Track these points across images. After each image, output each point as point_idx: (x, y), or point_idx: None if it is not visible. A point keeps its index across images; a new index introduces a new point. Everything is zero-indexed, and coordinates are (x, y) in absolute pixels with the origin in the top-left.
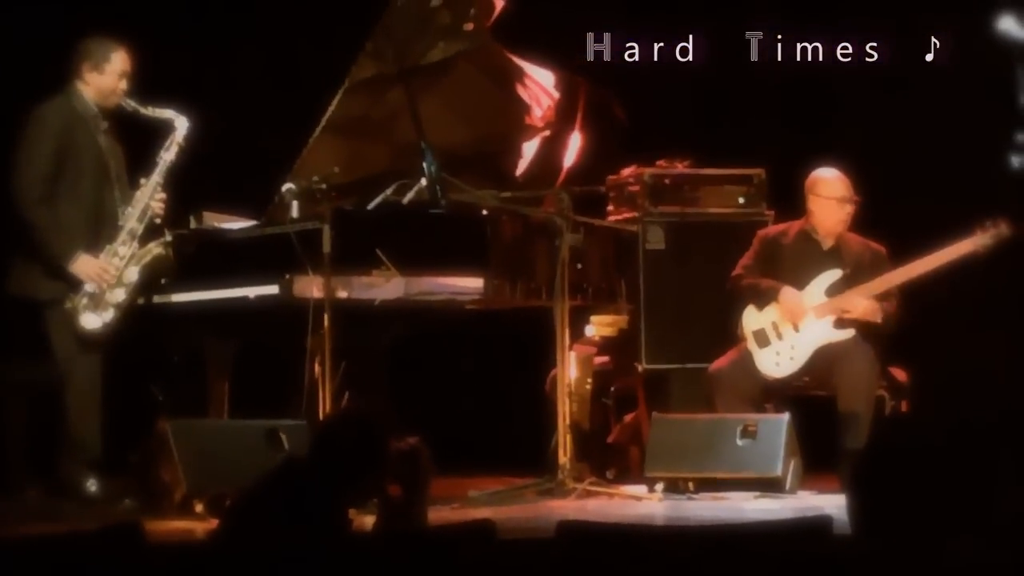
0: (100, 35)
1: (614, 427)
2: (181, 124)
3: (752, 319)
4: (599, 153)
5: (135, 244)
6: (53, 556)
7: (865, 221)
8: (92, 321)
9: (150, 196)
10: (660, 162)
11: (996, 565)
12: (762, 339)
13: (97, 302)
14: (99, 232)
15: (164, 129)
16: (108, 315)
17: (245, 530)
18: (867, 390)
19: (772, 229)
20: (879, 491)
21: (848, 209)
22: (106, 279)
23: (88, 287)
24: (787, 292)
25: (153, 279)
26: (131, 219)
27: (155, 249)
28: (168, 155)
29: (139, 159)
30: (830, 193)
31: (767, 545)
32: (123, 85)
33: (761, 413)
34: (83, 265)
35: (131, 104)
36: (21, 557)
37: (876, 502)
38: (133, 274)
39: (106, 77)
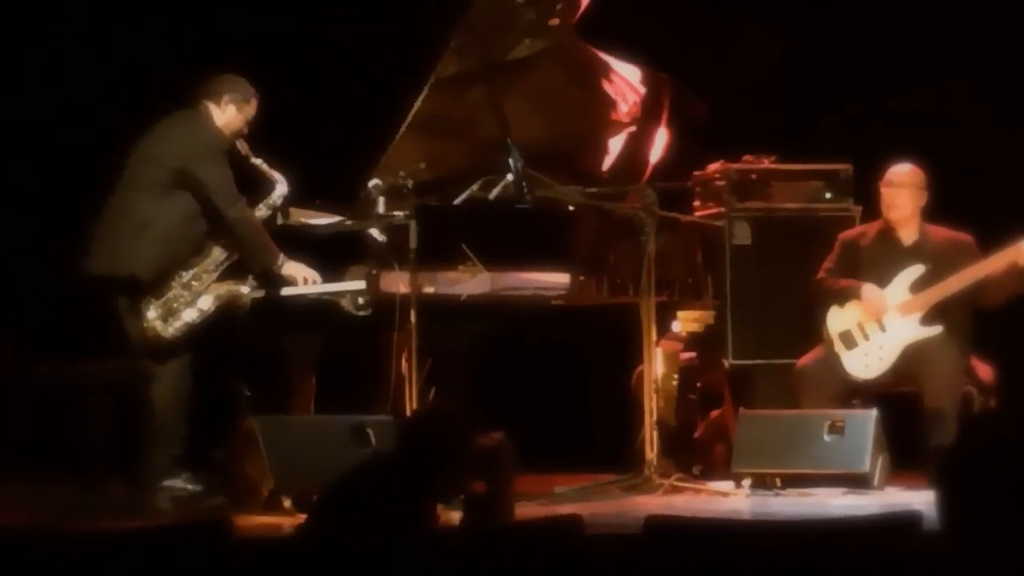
0: (242, 75)
1: (700, 423)
2: (281, 187)
3: (836, 321)
4: (685, 149)
5: (214, 275)
6: (140, 551)
7: (951, 214)
8: (159, 326)
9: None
10: (746, 157)
11: None
12: (849, 341)
13: (168, 312)
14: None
15: (263, 185)
16: (175, 327)
17: (331, 525)
18: (954, 386)
19: (852, 231)
20: (968, 488)
21: (900, 195)
22: (315, 280)
23: (165, 298)
24: (868, 289)
25: (225, 316)
26: (221, 253)
27: (237, 287)
28: (263, 211)
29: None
30: (887, 179)
31: (856, 541)
32: (245, 130)
33: (848, 409)
34: (293, 267)
35: (244, 148)
36: (108, 551)
37: (965, 499)
38: (209, 302)
39: (239, 117)
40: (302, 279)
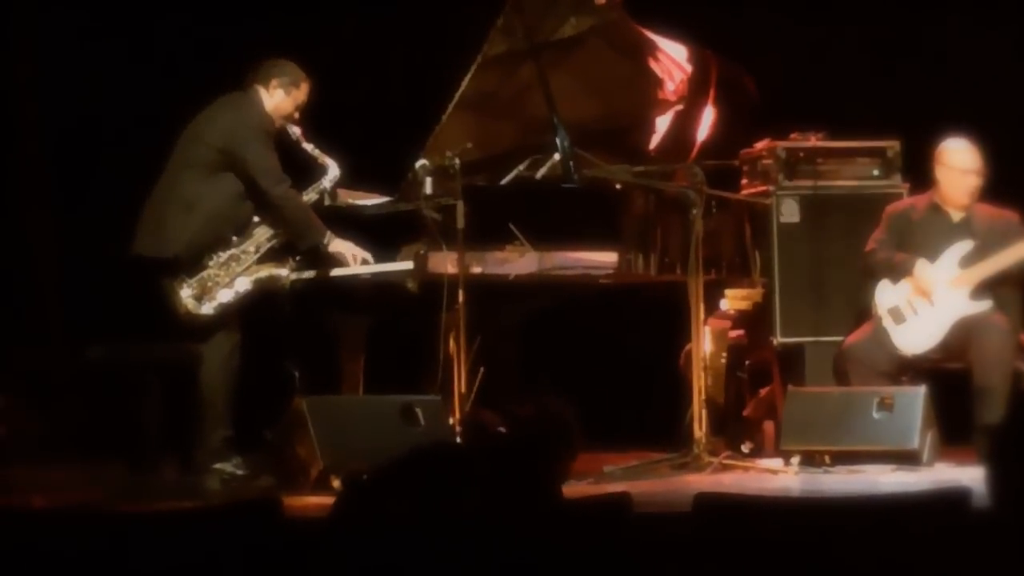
0: (294, 61)
1: (749, 401)
2: (332, 172)
3: (886, 296)
4: (732, 127)
5: (255, 257)
6: (192, 531)
7: (1003, 193)
8: (192, 305)
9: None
10: (793, 135)
11: None
12: (898, 316)
13: (203, 291)
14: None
15: (313, 168)
16: (209, 307)
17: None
18: (1004, 363)
19: (901, 203)
20: (1018, 464)
21: (973, 181)
22: (364, 258)
23: (199, 277)
24: (921, 265)
25: (262, 298)
26: (263, 235)
27: (277, 270)
28: (311, 195)
29: None
30: (955, 163)
31: (905, 518)
32: (295, 115)
33: (897, 386)
34: (341, 245)
35: (296, 133)
36: (160, 532)
37: (1015, 475)
38: (246, 284)
39: (288, 100)
40: (351, 256)
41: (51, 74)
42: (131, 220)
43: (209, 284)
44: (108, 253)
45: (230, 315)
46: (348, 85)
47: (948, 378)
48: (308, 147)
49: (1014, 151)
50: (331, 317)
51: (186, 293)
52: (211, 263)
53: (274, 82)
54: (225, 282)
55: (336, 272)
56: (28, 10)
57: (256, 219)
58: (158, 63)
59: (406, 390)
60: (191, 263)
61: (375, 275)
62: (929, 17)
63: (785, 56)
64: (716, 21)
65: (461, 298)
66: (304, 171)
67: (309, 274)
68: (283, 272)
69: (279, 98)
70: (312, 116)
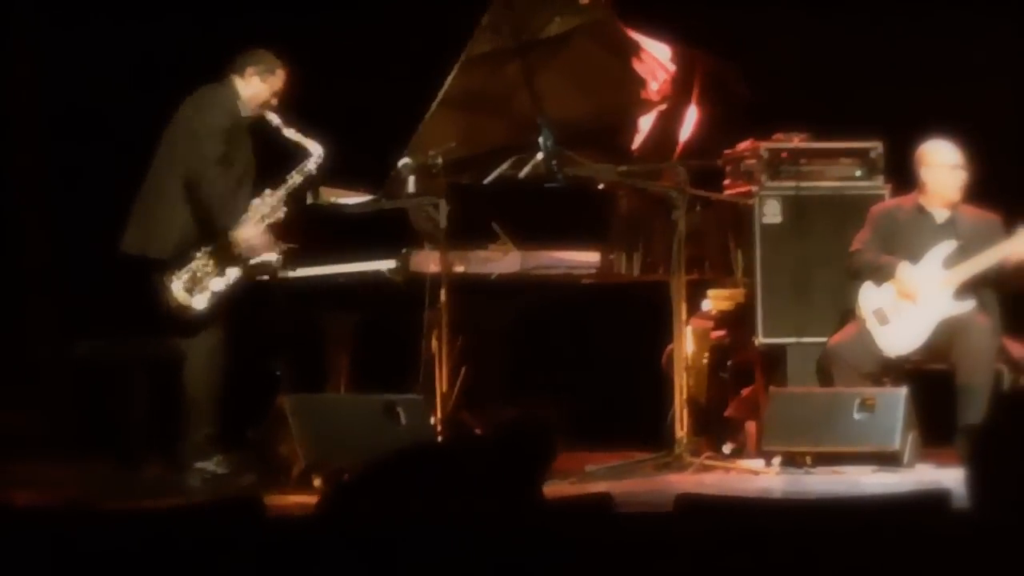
0: (270, 49)
1: (731, 401)
2: (316, 154)
3: (870, 297)
4: (718, 127)
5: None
6: (174, 529)
7: (983, 194)
8: (183, 297)
9: (271, 209)
10: (777, 135)
11: None
12: (882, 317)
13: (194, 283)
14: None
15: (298, 153)
16: (201, 299)
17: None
18: (986, 364)
19: (887, 204)
20: (998, 465)
21: (960, 176)
22: (260, 250)
23: (189, 268)
24: (903, 269)
25: (251, 296)
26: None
27: (267, 258)
28: (297, 178)
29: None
30: (941, 160)
31: (885, 518)
32: (273, 102)
33: (879, 387)
34: (245, 231)
35: (276, 120)
36: (143, 530)
37: (995, 476)
38: (236, 272)
39: (264, 87)
40: (257, 243)
41: (48, 71)
42: (123, 217)
43: (200, 275)
44: (97, 250)
45: (220, 308)
46: (333, 82)
47: (930, 380)
48: (289, 132)
49: (996, 152)
50: (317, 314)
51: (177, 286)
52: (199, 254)
53: (249, 70)
54: (216, 272)
55: (320, 271)
56: (26, 6)
57: (243, 210)
58: (155, 60)
59: (392, 388)
60: (179, 259)
61: (359, 272)
62: (910, 18)
63: (769, 57)
64: (701, 21)
65: (444, 297)
66: (287, 158)
67: (295, 273)
68: (272, 257)
69: (255, 86)
70: (296, 112)
